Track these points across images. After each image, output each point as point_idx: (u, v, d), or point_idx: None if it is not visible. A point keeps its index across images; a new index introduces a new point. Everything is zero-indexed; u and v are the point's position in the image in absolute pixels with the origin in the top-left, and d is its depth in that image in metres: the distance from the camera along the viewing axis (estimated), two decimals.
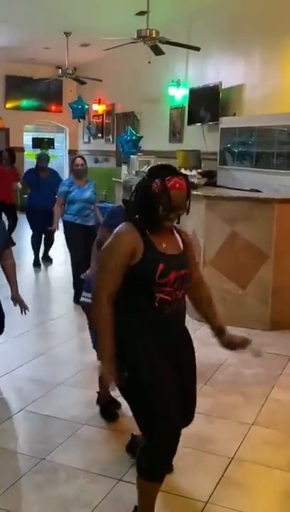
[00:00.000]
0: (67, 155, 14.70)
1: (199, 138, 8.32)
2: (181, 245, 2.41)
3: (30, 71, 12.81)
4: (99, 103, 12.89)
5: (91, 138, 13.76)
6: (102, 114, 12.95)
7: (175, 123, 9.39)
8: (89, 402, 3.50)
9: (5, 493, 2.69)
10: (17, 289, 3.78)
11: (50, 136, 14.76)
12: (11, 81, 13.71)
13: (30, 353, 4.46)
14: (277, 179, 6.17)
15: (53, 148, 14.22)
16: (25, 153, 13.89)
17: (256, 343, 4.80)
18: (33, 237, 7.88)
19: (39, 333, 5.05)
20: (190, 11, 8.35)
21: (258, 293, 5.22)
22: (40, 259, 7.95)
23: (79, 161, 6.15)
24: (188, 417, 2.50)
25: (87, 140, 14.13)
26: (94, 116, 13.30)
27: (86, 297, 3.30)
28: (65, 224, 6.18)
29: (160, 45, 7.29)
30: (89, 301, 2.95)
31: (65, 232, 6.23)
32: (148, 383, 2.25)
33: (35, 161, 8.24)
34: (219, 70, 8.02)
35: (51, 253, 8.12)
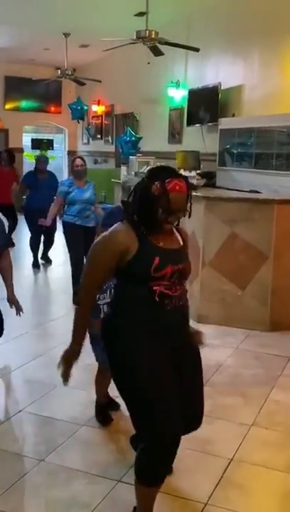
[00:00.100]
0: (67, 156, 14.70)
1: (198, 139, 8.33)
2: (181, 241, 2.40)
3: (29, 72, 12.81)
4: (98, 104, 12.89)
5: (90, 139, 13.76)
6: (101, 115, 12.95)
7: (175, 124, 9.39)
8: (89, 403, 3.49)
9: (4, 494, 2.69)
10: (13, 290, 3.77)
11: (50, 137, 14.76)
12: (11, 82, 13.71)
13: (29, 354, 4.46)
14: (276, 180, 6.18)
15: (52, 149, 14.21)
16: (25, 154, 13.88)
17: (256, 344, 4.85)
18: (31, 238, 7.87)
19: (38, 334, 5.05)
20: (189, 11, 8.35)
21: (257, 294, 5.22)
22: (40, 258, 7.94)
23: (78, 161, 6.15)
24: (194, 421, 2.46)
25: (86, 141, 14.13)
26: (93, 117, 13.30)
27: None
28: (65, 225, 6.17)
29: (160, 46, 7.29)
30: None
31: (64, 233, 6.23)
32: (148, 386, 2.23)
33: (34, 161, 8.23)
34: (219, 71, 8.03)
35: (51, 254, 8.12)
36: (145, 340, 2.28)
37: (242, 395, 3.86)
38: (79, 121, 12.96)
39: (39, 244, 7.89)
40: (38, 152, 12.32)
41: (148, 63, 7.72)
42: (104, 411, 3.41)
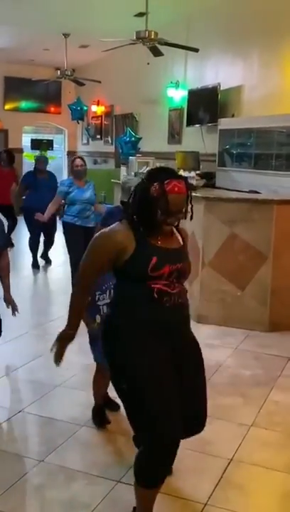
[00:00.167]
0: (66, 156, 14.70)
1: (198, 139, 8.33)
2: (181, 241, 2.41)
3: (29, 72, 12.81)
4: (98, 104, 12.89)
5: (90, 139, 13.76)
6: (101, 116, 12.95)
7: (174, 124, 9.39)
8: (88, 404, 3.49)
9: (4, 495, 2.69)
10: (9, 290, 3.78)
11: (49, 137, 14.75)
12: (10, 82, 13.70)
13: (29, 355, 4.46)
14: (276, 180, 6.18)
15: (52, 149, 14.20)
16: (24, 154, 13.87)
17: (256, 344, 4.85)
18: (30, 238, 7.85)
19: (38, 335, 5.05)
20: (188, 12, 8.36)
21: (257, 294, 5.22)
22: (40, 257, 7.94)
23: (78, 161, 6.15)
24: (197, 422, 2.44)
25: (85, 141, 14.13)
26: (92, 117, 13.30)
27: None
28: (65, 225, 6.17)
29: (159, 47, 7.29)
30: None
31: (64, 234, 6.23)
32: (147, 386, 2.22)
33: (34, 162, 8.22)
34: (218, 71, 8.03)
35: (50, 254, 8.11)
36: (145, 340, 2.27)
37: (242, 395, 3.87)
38: (79, 121, 12.95)
39: (38, 244, 7.88)
40: (37, 152, 12.31)
41: (148, 64, 7.72)
42: (102, 413, 3.40)
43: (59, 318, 5.43)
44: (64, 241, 6.30)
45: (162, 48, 7.36)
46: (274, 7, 6.80)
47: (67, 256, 6.27)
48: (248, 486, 2.84)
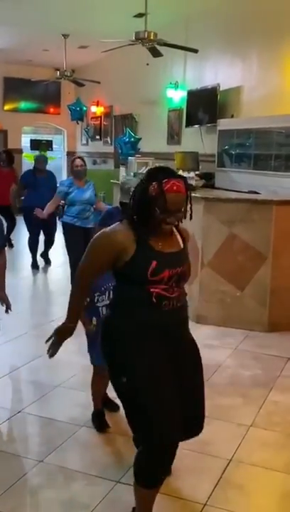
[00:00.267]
0: (66, 157, 14.70)
1: (197, 140, 8.33)
2: (181, 243, 2.40)
3: (28, 73, 12.81)
4: (97, 105, 12.90)
5: (89, 140, 13.76)
6: (100, 116, 12.95)
7: (174, 125, 9.40)
8: (88, 404, 3.49)
9: (3, 495, 2.69)
10: (4, 289, 3.78)
11: (49, 138, 14.75)
12: (9, 83, 13.70)
13: (28, 355, 4.46)
14: (275, 181, 6.18)
15: (51, 150, 14.21)
16: (24, 154, 13.88)
17: (255, 345, 4.86)
18: (30, 238, 7.83)
19: (37, 335, 5.04)
20: (188, 13, 8.36)
21: (256, 294, 5.23)
22: (40, 256, 7.93)
23: (78, 161, 6.15)
24: (196, 423, 2.44)
25: (85, 142, 14.13)
26: (92, 118, 13.30)
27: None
28: (64, 226, 6.17)
29: (159, 47, 7.30)
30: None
31: (64, 234, 6.23)
32: (147, 386, 2.22)
33: (33, 162, 8.22)
34: (217, 72, 8.03)
35: (50, 255, 8.10)
36: (144, 340, 2.28)
37: (241, 395, 3.87)
38: (79, 122, 12.95)
39: (38, 244, 7.86)
40: (37, 153, 12.31)
41: (147, 64, 7.73)
42: (101, 417, 3.38)
43: (59, 318, 5.40)
44: (63, 241, 6.30)
45: (161, 49, 7.37)
46: (273, 8, 6.80)
47: (67, 257, 6.28)
48: (247, 486, 2.84)
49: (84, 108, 12.47)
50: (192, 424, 2.43)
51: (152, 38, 7.01)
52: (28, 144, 14.09)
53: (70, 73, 10.86)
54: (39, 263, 7.85)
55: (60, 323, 2.47)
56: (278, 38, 6.74)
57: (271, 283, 5.18)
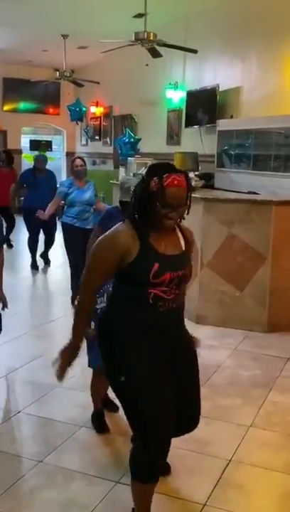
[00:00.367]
0: (65, 157, 14.70)
1: (196, 140, 8.34)
2: (183, 244, 2.39)
3: (27, 73, 12.82)
4: (96, 105, 12.90)
5: (89, 140, 13.77)
6: (100, 117, 12.96)
7: (173, 125, 9.40)
8: (87, 405, 3.49)
9: (2, 496, 2.69)
10: (1, 287, 3.77)
11: (48, 138, 14.76)
12: (9, 83, 13.71)
13: (28, 355, 4.46)
14: (274, 181, 6.19)
15: (51, 150, 14.21)
16: (23, 155, 13.88)
17: (255, 345, 4.86)
18: (29, 238, 7.83)
19: (37, 335, 5.05)
20: (187, 13, 8.37)
21: (255, 295, 5.23)
22: (39, 256, 7.93)
23: (78, 161, 6.15)
24: (191, 422, 2.47)
25: (84, 142, 14.13)
26: (91, 118, 13.30)
27: None
28: (64, 226, 6.17)
29: (158, 48, 7.30)
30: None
31: (63, 235, 6.22)
32: (143, 385, 2.23)
33: (33, 162, 8.21)
34: (217, 73, 8.04)
35: (50, 255, 8.10)
36: (141, 340, 2.28)
37: (241, 395, 3.87)
38: (78, 122, 12.95)
39: (37, 244, 7.86)
40: (36, 153, 12.31)
41: (147, 65, 7.73)
42: (101, 419, 3.38)
43: (58, 319, 5.44)
44: (63, 242, 6.30)
45: (161, 49, 7.37)
46: (273, 8, 6.81)
47: (66, 257, 6.27)
48: (247, 487, 2.84)
49: (84, 108, 12.47)
50: (188, 422, 2.46)
51: (151, 38, 7.02)
52: (28, 145, 14.10)
53: (70, 74, 10.86)
54: (38, 263, 7.86)
55: (65, 344, 2.39)
56: (278, 38, 6.75)
57: (270, 283, 5.18)
